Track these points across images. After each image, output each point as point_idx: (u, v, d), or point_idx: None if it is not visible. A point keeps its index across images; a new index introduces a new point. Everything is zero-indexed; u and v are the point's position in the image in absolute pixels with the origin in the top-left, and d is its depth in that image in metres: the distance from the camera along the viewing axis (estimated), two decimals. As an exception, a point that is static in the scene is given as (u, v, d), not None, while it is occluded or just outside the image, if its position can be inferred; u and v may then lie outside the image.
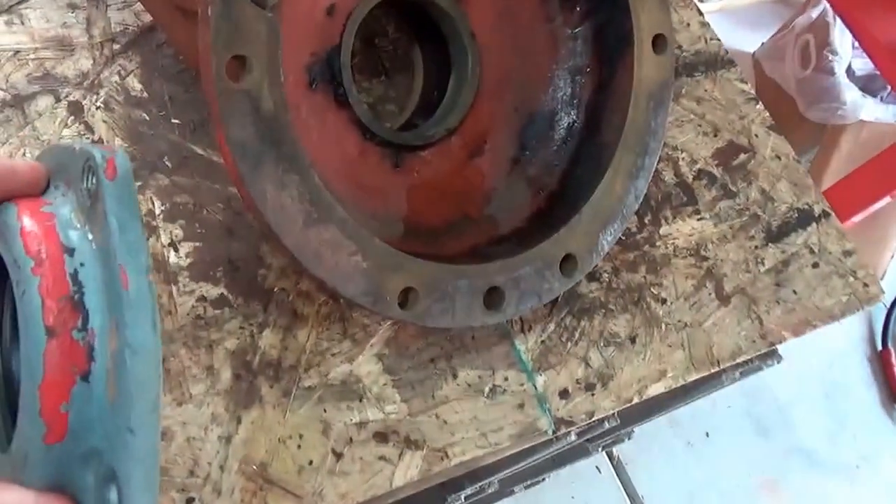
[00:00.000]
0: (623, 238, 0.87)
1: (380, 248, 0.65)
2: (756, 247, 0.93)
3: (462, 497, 1.11)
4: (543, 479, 1.45)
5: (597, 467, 2.21)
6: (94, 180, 0.42)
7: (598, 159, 0.77)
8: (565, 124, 0.81)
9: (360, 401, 0.73)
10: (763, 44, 2.53)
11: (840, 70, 2.21)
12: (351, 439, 0.71)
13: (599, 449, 1.19)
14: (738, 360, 0.86)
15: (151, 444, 0.41)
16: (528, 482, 1.41)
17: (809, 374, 2.49)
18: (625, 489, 2.21)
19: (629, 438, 1.22)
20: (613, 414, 0.85)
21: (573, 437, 0.83)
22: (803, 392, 2.46)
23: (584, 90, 0.81)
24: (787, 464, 2.36)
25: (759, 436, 2.38)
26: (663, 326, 0.85)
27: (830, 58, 2.20)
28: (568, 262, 0.74)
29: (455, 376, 0.76)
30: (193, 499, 0.66)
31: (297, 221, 0.61)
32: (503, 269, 0.71)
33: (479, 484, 1.07)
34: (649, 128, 0.78)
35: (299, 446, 0.70)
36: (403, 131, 0.80)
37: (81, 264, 0.42)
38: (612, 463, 2.23)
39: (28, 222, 0.43)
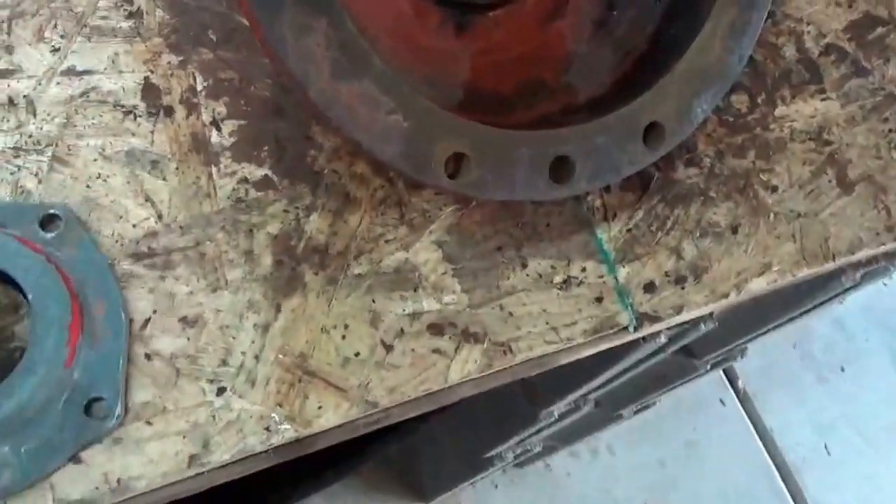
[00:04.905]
0: (731, 119, 0.73)
1: (424, 107, 0.53)
2: (890, 130, 0.76)
3: (555, 413, 1.00)
4: (654, 403, 1.31)
5: (720, 400, 2.07)
6: None
7: (696, 14, 0.62)
8: (658, -22, 0.67)
9: (415, 290, 0.62)
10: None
11: None
12: (402, 331, 0.61)
13: (708, 366, 1.04)
14: (859, 256, 0.71)
15: None
16: (637, 405, 1.27)
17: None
18: (751, 421, 2.06)
19: (742, 357, 1.07)
20: (711, 315, 0.71)
21: (663, 339, 0.70)
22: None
23: (680, -64, 0.66)
24: (930, 400, 2.16)
25: (901, 371, 2.18)
26: (772, 216, 0.70)
27: None
28: (654, 131, 0.60)
29: (524, 266, 0.64)
30: (225, 388, 0.57)
31: (324, 71, 0.50)
32: (574, 136, 0.58)
33: (571, 398, 0.95)
34: (756, -25, 0.62)
35: (344, 337, 0.60)
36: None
37: None
38: (737, 396, 2.08)
39: None
